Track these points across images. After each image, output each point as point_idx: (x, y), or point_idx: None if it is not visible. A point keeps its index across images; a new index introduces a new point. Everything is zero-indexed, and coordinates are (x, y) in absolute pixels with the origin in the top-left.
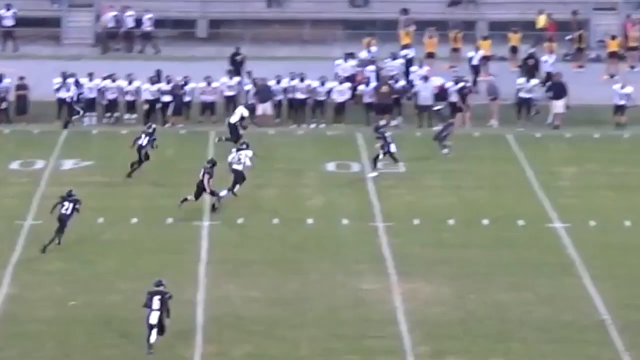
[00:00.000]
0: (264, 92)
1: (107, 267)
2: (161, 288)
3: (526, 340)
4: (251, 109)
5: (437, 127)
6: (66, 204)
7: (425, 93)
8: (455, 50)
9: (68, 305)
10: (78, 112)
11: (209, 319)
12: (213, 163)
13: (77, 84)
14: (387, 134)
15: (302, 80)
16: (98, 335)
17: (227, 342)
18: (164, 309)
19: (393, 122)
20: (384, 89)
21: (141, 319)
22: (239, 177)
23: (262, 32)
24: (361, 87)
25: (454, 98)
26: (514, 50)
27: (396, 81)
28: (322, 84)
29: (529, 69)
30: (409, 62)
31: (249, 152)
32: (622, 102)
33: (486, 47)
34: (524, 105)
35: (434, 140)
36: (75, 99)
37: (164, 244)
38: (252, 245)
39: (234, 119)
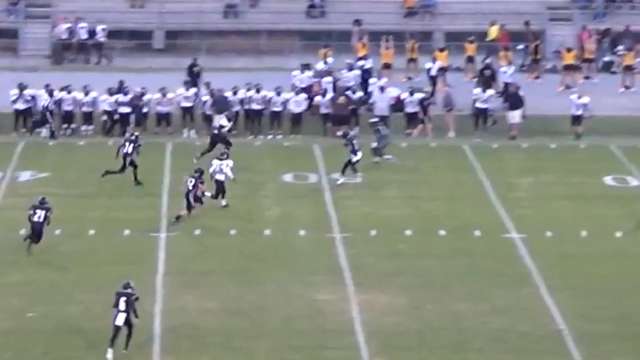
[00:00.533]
0: (220, 103)
1: (65, 279)
2: (129, 290)
3: (483, 350)
4: (209, 119)
5: (373, 144)
6: (38, 211)
7: (381, 104)
8: (412, 60)
9: (26, 317)
10: (48, 121)
11: (166, 330)
12: (201, 172)
13: (51, 94)
14: (354, 142)
15: (258, 91)
16: (56, 346)
17: (184, 353)
18: (130, 309)
19: (350, 133)
20: (341, 100)
21: (100, 330)
22: (221, 187)
23: (219, 43)
24: (318, 98)
25: (409, 109)
26: (470, 60)
27: (353, 92)
28: (278, 94)
29: (486, 79)
30: (366, 73)
31: (230, 162)
32: (579, 113)
33: (443, 58)
34: (480, 115)
35: (373, 155)
36: (51, 107)
37: (122, 256)
38: (210, 256)
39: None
